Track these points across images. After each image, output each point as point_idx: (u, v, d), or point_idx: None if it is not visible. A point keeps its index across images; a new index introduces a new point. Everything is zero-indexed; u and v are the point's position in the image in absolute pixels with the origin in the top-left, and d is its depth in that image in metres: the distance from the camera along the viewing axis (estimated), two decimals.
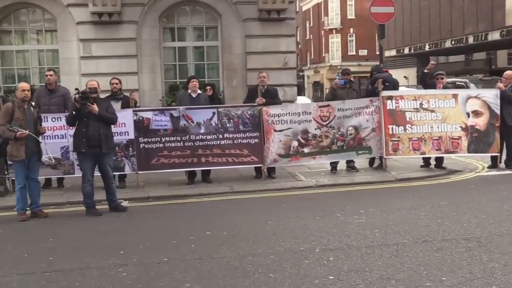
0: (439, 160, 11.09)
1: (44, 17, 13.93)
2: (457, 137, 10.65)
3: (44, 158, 8.85)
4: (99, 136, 8.33)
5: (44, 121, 9.57)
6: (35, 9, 13.89)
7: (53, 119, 9.84)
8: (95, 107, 8.26)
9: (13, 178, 9.33)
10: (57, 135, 9.82)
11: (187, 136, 10.08)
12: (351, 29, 54.02)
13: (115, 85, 10.26)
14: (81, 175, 8.68)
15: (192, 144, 10.07)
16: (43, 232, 7.49)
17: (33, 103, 8.61)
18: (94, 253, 6.28)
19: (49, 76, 10.27)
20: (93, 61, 13.38)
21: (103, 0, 13.04)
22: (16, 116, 8.11)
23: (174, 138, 10.05)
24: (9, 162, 8.77)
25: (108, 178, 8.58)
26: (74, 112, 8.35)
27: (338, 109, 10.53)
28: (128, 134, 9.96)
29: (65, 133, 9.81)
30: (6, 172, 9.73)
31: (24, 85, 8.44)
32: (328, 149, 10.60)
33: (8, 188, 9.85)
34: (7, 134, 8.05)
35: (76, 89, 8.66)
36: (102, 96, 10.00)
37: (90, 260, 6.02)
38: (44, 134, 9.06)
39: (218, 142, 10.15)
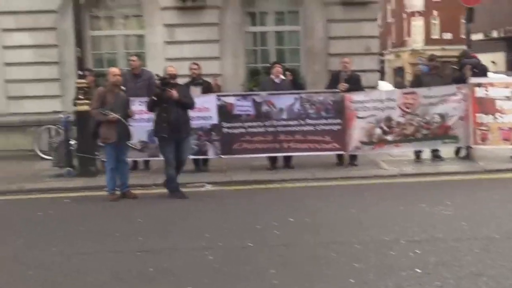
0: None
1: (130, 2, 14.30)
2: None
3: (130, 143, 9.17)
4: (178, 121, 8.58)
5: (132, 105, 9.91)
6: None
7: (140, 103, 10.08)
8: (174, 93, 8.48)
9: (103, 159, 9.76)
10: (143, 118, 10.06)
11: (270, 122, 10.11)
12: (435, 12, 52.07)
13: (194, 70, 10.41)
14: None
15: (274, 129, 10.11)
16: (132, 213, 7.79)
17: (123, 88, 8.92)
18: (181, 235, 6.49)
19: (131, 62, 10.59)
20: (177, 46, 13.64)
21: None
22: (107, 100, 8.46)
23: (257, 123, 10.12)
24: (100, 144, 9.09)
25: (182, 162, 8.84)
26: (154, 98, 8.60)
27: (423, 96, 10.23)
28: (211, 119, 10.11)
29: (151, 117, 10.04)
30: (96, 154, 10.15)
31: (115, 70, 8.77)
32: (412, 137, 10.33)
33: (98, 168, 10.25)
34: (99, 117, 8.42)
35: (157, 75, 8.90)
36: (182, 81, 10.30)
37: (177, 241, 6.22)
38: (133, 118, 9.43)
39: (300, 128, 10.13)
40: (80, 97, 10.08)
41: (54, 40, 13.67)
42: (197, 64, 10.51)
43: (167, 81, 8.56)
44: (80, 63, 10.33)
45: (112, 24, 14.58)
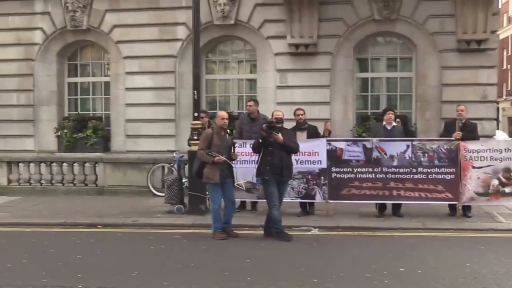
0: None
1: (245, 48, 14.85)
2: None
3: (236, 184, 9.35)
4: (281, 164, 8.78)
5: (243, 147, 10.20)
6: (237, 41, 14.87)
7: (251, 145, 10.31)
8: (280, 136, 8.67)
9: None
10: (253, 160, 10.28)
11: (380, 168, 9.97)
12: None
13: (300, 116, 10.53)
14: None
15: (384, 176, 9.94)
16: (240, 252, 7.89)
17: (228, 130, 9.23)
18: (288, 277, 6.47)
19: (248, 107, 10.89)
20: (288, 90, 13.91)
21: (300, 32, 13.56)
22: (214, 142, 8.80)
23: (366, 169, 10.01)
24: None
25: (280, 204, 8.96)
26: (260, 140, 8.83)
27: None
28: (321, 163, 10.13)
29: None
30: (206, 193, 10.46)
31: (223, 114, 9.11)
32: None
33: (208, 207, 10.54)
34: (206, 158, 8.75)
35: (264, 119, 9.10)
36: (290, 125, 10.46)
37: (285, 284, 6.21)
38: (243, 159, 9.70)
39: (411, 176, 9.89)
40: (194, 137, 10.50)
41: (172, 83, 14.41)
42: (302, 110, 10.65)
43: (274, 124, 8.78)
44: (196, 105, 10.79)
45: (226, 68, 15.18)
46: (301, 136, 10.43)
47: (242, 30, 14.33)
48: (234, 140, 9.47)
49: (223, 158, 8.70)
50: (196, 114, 10.77)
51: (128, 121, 14.64)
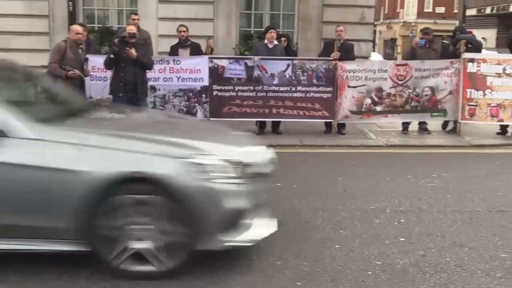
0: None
1: None
2: None
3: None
4: (135, 81, 8.58)
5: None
6: None
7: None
8: (133, 51, 8.44)
9: None
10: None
11: (260, 87, 10.09)
12: None
13: (182, 32, 10.31)
14: None
15: (264, 94, 10.09)
16: None
17: (82, 46, 8.87)
18: None
19: (135, 20, 10.36)
20: (170, 5, 13.44)
21: None
22: (68, 56, 8.38)
23: (247, 87, 10.09)
24: None
25: None
26: (112, 56, 8.61)
27: (416, 69, 10.24)
28: (202, 81, 10.06)
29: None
30: None
31: (77, 27, 8.74)
32: (401, 109, 10.39)
33: None
34: (58, 72, 8.27)
35: (116, 34, 8.84)
36: (171, 42, 10.25)
37: None
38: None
39: (291, 94, 10.13)
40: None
41: None
42: (184, 26, 10.40)
43: (126, 39, 8.52)
44: (71, 18, 10.16)
45: None
46: (184, 53, 10.27)
47: None
48: (87, 56, 9.20)
49: (77, 72, 8.35)
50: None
51: None
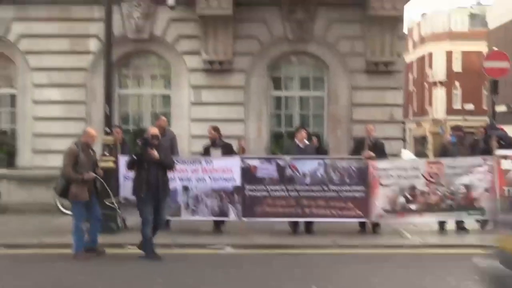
0: None
1: (159, 63, 14.65)
2: None
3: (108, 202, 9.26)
4: (157, 181, 8.64)
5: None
6: (151, 56, 14.64)
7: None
8: (155, 153, 8.57)
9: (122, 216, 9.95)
10: None
11: (292, 186, 10.09)
12: (457, 82, 52.54)
13: (210, 134, 10.62)
14: (189, 218, 9.36)
15: (297, 194, 10.07)
16: (152, 272, 7.67)
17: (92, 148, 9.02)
18: None
19: (161, 121, 10.73)
20: (202, 107, 13.83)
21: (215, 49, 13.56)
22: (81, 159, 8.51)
23: (279, 187, 10.09)
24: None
25: (160, 223, 8.91)
26: (135, 157, 8.74)
27: (448, 166, 10.18)
28: (234, 181, 10.12)
29: (173, 176, 10.04)
30: (118, 210, 10.14)
31: (91, 131, 8.95)
32: (436, 207, 10.21)
33: (119, 225, 10.22)
34: (73, 176, 8.42)
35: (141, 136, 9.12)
36: (204, 143, 10.53)
37: None
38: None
39: (323, 193, 10.08)
40: (106, 153, 10.18)
41: (83, 97, 13.95)
42: (214, 127, 10.66)
43: (149, 141, 8.70)
44: (107, 120, 10.48)
45: (140, 83, 14.88)
46: (216, 153, 10.41)
47: (157, 44, 14.16)
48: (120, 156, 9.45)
49: (93, 174, 8.54)
50: (107, 129, 10.44)
51: (36, 136, 13.98)
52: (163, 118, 10.96)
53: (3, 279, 7.27)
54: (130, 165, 8.84)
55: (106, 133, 10.39)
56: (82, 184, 8.46)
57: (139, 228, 8.75)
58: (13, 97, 14.50)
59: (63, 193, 8.64)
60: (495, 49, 14.85)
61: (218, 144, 10.53)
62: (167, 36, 13.98)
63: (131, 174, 9.99)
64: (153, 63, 14.76)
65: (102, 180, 8.86)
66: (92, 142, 8.78)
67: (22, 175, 13.46)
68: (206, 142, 10.90)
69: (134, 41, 13.98)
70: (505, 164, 10.15)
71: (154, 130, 8.98)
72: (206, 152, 10.62)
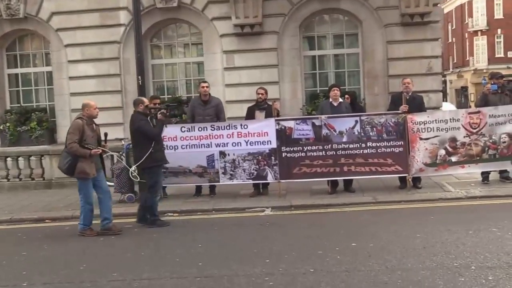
0: None
1: (190, 31, 14.60)
2: None
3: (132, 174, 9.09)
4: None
5: (192, 131, 10.08)
6: (182, 24, 14.60)
7: (200, 129, 10.21)
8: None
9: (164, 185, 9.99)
10: (203, 144, 10.18)
11: (329, 145, 9.97)
12: (499, 30, 50.69)
13: (261, 95, 10.42)
14: (226, 183, 9.40)
15: (334, 153, 9.95)
16: (192, 238, 7.77)
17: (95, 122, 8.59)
18: (241, 261, 6.39)
19: (205, 88, 10.62)
20: (235, 71, 13.78)
21: (245, 12, 13.40)
22: (87, 133, 8.08)
23: (316, 147, 10.00)
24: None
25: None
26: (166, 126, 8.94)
27: (489, 115, 9.85)
28: (270, 143, 10.06)
29: (210, 142, 10.14)
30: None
31: (94, 103, 8.43)
32: (478, 158, 9.95)
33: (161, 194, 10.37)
34: (81, 152, 7.96)
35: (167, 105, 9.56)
36: (247, 105, 10.59)
37: (237, 267, 6.13)
38: (192, 143, 9.67)
39: (361, 151, 9.93)
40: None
41: (117, 69, 14.05)
42: (264, 89, 10.54)
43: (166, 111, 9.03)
44: (141, 91, 10.52)
45: (172, 53, 14.89)
46: (260, 115, 10.38)
47: (186, 12, 14.10)
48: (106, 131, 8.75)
49: (100, 149, 8.20)
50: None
51: (74, 111, 14.10)
52: (205, 83, 10.78)
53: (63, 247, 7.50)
54: (160, 134, 8.84)
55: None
56: (90, 160, 8.07)
57: (178, 196, 8.84)
58: (49, 74, 14.75)
59: (70, 170, 8.09)
60: None
61: (263, 106, 10.44)
62: (195, 2, 13.89)
63: (169, 143, 10.17)
64: (184, 31, 14.76)
65: (112, 154, 8.71)
66: (96, 115, 8.35)
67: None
68: (241, 106, 10.85)
69: (163, 10, 13.95)
70: None
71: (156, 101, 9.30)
72: (250, 113, 10.53)
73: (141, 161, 8.56)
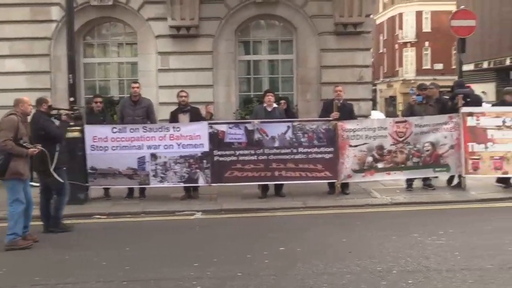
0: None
1: (125, 30, 14.37)
2: None
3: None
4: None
5: (123, 132, 9.96)
6: (116, 23, 14.36)
7: (131, 130, 10.08)
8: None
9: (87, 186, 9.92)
10: (134, 145, 10.06)
11: (261, 150, 10.07)
12: (426, 42, 52.78)
13: (183, 98, 10.44)
14: (157, 186, 9.38)
15: (266, 157, 10.06)
16: (120, 241, 7.65)
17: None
18: (169, 264, 6.36)
19: (135, 88, 10.52)
20: (170, 73, 13.66)
21: (181, 14, 13.32)
22: (21, 131, 7.47)
23: (248, 151, 10.07)
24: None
25: None
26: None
27: (415, 125, 10.26)
28: (203, 147, 10.06)
29: (141, 144, 10.04)
30: (86, 181, 10.06)
31: (28, 99, 7.88)
32: (403, 165, 10.33)
33: (88, 196, 10.17)
34: (16, 150, 7.31)
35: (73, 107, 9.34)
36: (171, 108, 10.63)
37: (165, 271, 6.10)
38: (123, 145, 9.55)
39: (292, 156, 10.09)
40: (71, 123, 10.00)
41: (47, 66, 13.66)
42: (185, 92, 10.55)
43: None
44: (72, 90, 10.28)
45: (106, 52, 14.61)
46: (184, 118, 10.36)
47: (122, 11, 13.86)
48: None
49: (38, 148, 7.58)
50: (72, 99, 10.24)
51: (2, 108, 13.62)
52: (136, 84, 10.70)
53: None
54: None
55: (71, 103, 10.17)
56: (25, 160, 7.49)
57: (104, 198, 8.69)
58: None
59: (1, 170, 7.29)
60: (462, 7, 14.86)
61: (186, 108, 10.43)
62: (131, 2, 13.69)
63: (99, 144, 10.00)
64: (119, 30, 14.50)
65: (47, 153, 7.84)
66: (30, 112, 7.80)
67: None
68: (174, 108, 10.80)
69: (97, 8, 13.68)
70: (471, 121, 10.26)
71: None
72: (173, 117, 10.52)
73: (54, 162, 8.01)
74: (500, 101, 11.30)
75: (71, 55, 10.35)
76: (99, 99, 10.83)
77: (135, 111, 10.44)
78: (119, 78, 14.54)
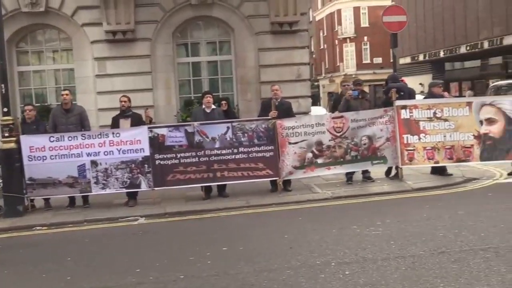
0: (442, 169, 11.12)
1: (59, 36, 14.14)
2: (469, 146, 10.58)
3: None
4: None
5: (61, 140, 9.81)
6: (50, 29, 14.09)
7: (69, 138, 9.94)
8: None
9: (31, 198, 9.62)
10: (73, 153, 9.93)
11: (202, 152, 10.13)
12: (365, 37, 53.95)
13: (123, 102, 10.36)
14: (98, 193, 9.12)
15: (207, 159, 10.12)
16: (61, 252, 7.56)
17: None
18: (111, 272, 6.33)
19: (65, 96, 10.39)
20: (108, 79, 13.53)
21: (117, 18, 13.22)
22: None
23: (189, 153, 10.10)
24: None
25: None
26: None
27: (351, 120, 10.54)
28: (143, 151, 10.02)
29: (81, 152, 9.92)
30: (24, 192, 9.87)
31: None
32: (342, 159, 10.59)
33: (27, 207, 9.97)
34: None
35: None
36: (113, 114, 10.43)
37: (107, 278, 6.08)
38: (61, 153, 9.36)
39: (233, 156, 10.18)
40: (6, 134, 9.80)
41: None
42: (126, 97, 10.46)
43: None
44: (4, 100, 10.04)
45: (41, 59, 14.31)
46: (125, 123, 10.29)
47: (55, 17, 13.65)
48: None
49: None
50: (5, 109, 9.99)
51: None
52: (66, 91, 10.55)
53: None
54: None
55: (4, 114, 9.94)
56: None
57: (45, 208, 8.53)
58: None
59: None
60: (393, 3, 15.34)
61: (127, 114, 10.36)
62: (64, 7, 13.51)
63: (37, 154, 9.81)
64: (53, 37, 14.25)
65: None
66: None
67: None
68: (114, 114, 10.70)
69: (29, 15, 13.43)
70: (404, 114, 10.61)
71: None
72: (115, 122, 10.42)
73: None
74: (429, 94, 11.72)
75: (3, 64, 10.10)
76: (29, 107, 10.56)
77: (67, 119, 10.30)
78: (56, 85, 14.27)
